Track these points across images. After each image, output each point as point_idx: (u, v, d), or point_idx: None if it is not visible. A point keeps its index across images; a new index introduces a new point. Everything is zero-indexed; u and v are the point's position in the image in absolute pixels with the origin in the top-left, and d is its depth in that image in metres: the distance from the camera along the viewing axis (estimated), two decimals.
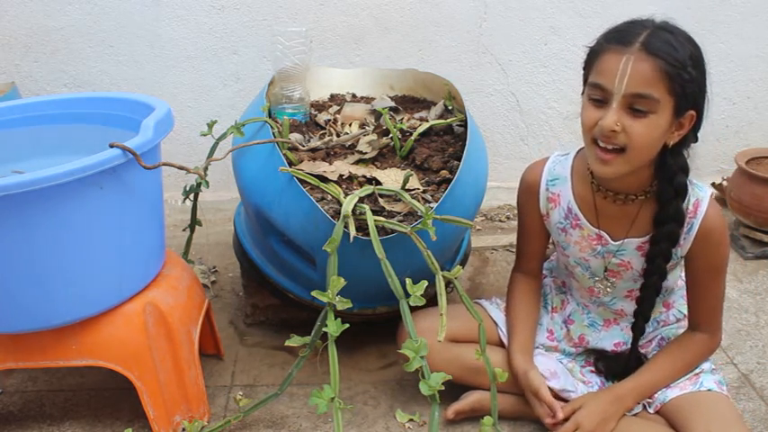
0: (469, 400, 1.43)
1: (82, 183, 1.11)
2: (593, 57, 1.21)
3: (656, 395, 1.34)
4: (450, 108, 1.73)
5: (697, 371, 1.36)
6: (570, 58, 2.30)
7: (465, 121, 1.57)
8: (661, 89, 1.13)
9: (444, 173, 1.49)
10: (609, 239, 1.35)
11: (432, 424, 1.20)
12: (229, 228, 1.91)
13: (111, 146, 1.15)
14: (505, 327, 1.48)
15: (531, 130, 2.39)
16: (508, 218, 2.32)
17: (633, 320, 1.38)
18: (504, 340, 1.47)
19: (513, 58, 2.29)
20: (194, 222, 1.68)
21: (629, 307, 1.42)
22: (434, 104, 1.76)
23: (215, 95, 2.28)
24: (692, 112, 1.19)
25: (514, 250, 2.15)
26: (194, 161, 1.64)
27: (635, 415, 1.34)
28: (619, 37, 1.17)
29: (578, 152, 1.39)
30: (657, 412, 1.33)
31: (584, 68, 1.24)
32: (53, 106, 1.45)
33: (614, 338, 1.45)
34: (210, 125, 1.54)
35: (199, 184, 1.51)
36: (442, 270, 1.25)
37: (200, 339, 1.47)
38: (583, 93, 1.24)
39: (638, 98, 1.14)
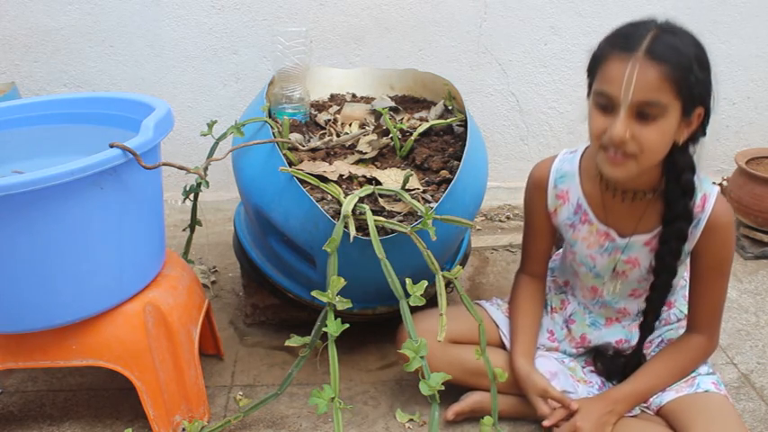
0: (469, 400, 1.43)
1: (82, 183, 1.11)
2: (596, 63, 1.19)
3: (651, 399, 1.34)
4: (450, 108, 1.73)
5: (693, 374, 1.35)
6: (570, 58, 2.30)
7: (465, 121, 1.57)
8: (668, 94, 1.13)
9: (444, 173, 1.49)
10: (616, 236, 1.35)
11: (432, 424, 1.20)
12: (229, 228, 1.91)
13: (111, 146, 1.15)
14: (507, 328, 1.48)
15: (531, 130, 2.39)
16: (508, 218, 2.32)
17: (637, 319, 1.39)
18: (505, 341, 1.47)
19: (513, 58, 2.29)
20: (194, 222, 1.69)
21: (632, 306, 1.42)
22: (434, 104, 1.76)
23: (215, 95, 2.28)
24: (700, 110, 1.19)
25: (514, 250, 2.15)
26: (194, 161, 1.64)
27: (634, 416, 1.34)
28: (622, 42, 1.15)
29: (586, 149, 1.39)
30: (656, 414, 1.33)
31: (588, 74, 1.23)
32: (53, 106, 1.45)
33: (616, 336, 1.45)
34: (210, 125, 1.54)
35: (199, 184, 1.51)
36: (442, 270, 1.25)
37: (200, 339, 1.47)
38: (588, 96, 1.23)
39: (646, 105, 1.13)
